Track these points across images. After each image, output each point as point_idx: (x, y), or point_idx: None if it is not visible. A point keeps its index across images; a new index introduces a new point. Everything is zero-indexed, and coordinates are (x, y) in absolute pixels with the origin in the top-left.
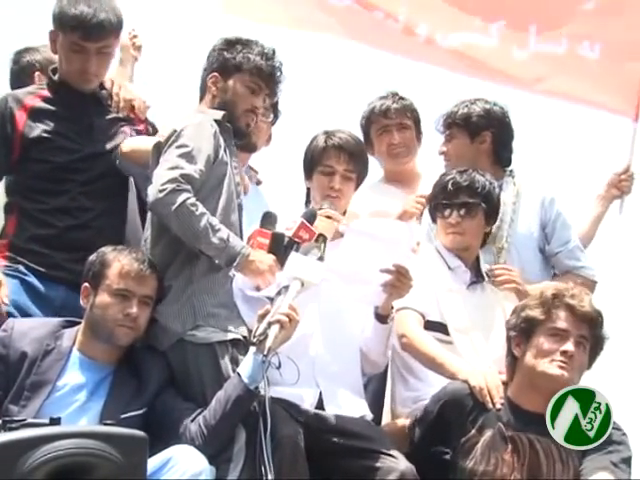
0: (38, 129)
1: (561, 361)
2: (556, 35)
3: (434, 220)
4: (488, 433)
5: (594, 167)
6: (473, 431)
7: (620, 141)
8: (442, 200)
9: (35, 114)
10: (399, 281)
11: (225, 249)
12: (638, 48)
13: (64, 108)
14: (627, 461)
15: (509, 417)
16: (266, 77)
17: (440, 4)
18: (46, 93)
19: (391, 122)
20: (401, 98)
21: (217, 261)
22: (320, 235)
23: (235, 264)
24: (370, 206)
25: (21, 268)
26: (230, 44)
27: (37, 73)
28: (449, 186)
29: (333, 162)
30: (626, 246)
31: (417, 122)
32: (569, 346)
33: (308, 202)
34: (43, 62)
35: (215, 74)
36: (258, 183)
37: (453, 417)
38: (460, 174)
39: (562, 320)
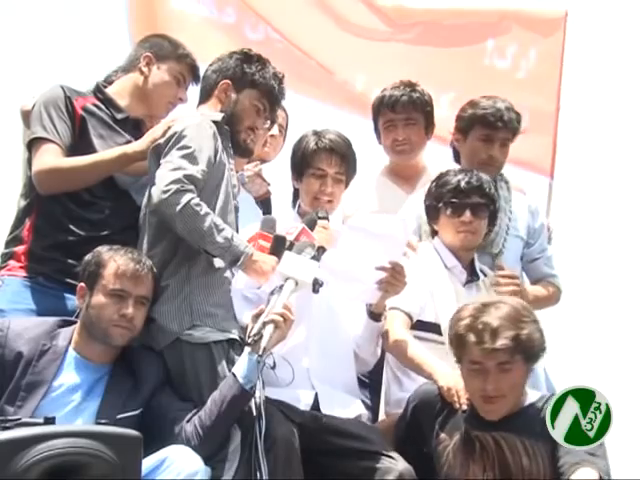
0: (90, 124)
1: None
2: None
3: (434, 220)
4: (457, 436)
5: None
6: (444, 435)
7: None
8: (452, 199)
9: (87, 112)
10: (394, 278)
11: (229, 248)
12: (554, 111)
13: (109, 119)
14: (601, 445)
15: (473, 418)
16: (273, 100)
17: (398, 76)
18: (94, 100)
19: (397, 117)
20: (412, 90)
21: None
22: (320, 247)
23: (239, 263)
24: (368, 204)
25: (41, 280)
26: (249, 58)
27: None
28: (462, 185)
29: (324, 165)
30: None
31: (427, 115)
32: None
33: (295, 202)
34: None
35: (228, 82)
36: (267, 193)
37: (424, 418)
38: (465, 174)
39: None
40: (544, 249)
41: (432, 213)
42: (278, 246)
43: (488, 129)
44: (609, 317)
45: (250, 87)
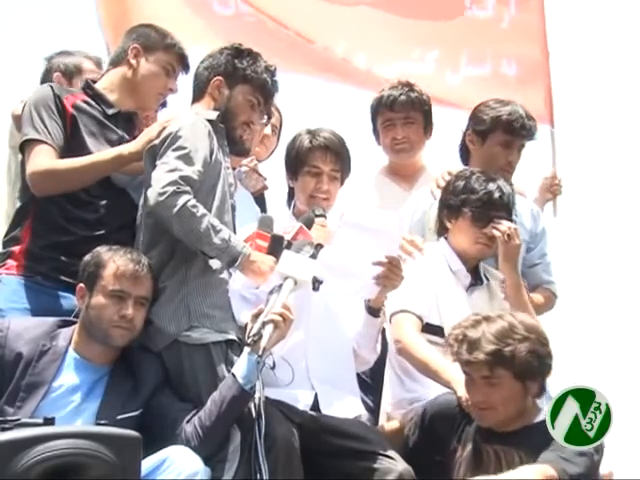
0: (81, 121)
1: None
2: (482, 58)
3: (450, 219)
4: (468, 447)
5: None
6: (458, 446)
7: (539, 146)
8: (480, 208)
9: (77, 109)
10: (392, 272)
11: (227, 249)
12: (544, 57)
13: (100, 115)
14: (583, 454)
15: (482, 430)
16: (267, 93)
17: (381, 37)
18: (84, 97)
19: (396, 115)
20: (410, 90)
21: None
22: (318, 244)
23: (237, 264)
24: (369, 202)
25: (39, 279)
26: (240, 53)
27: (57, 74)
28: (495, 197)
29: (319, 163)
30: (563, 247)
31: (426, 115)
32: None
33: (290, 202)
34: (69, 66)
35: (220, 78)
36: (264, 189)
37: (442, 429)
38: (496, 185)
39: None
40: (544, 254)
41: (452, 211)
42: (276, 246)
43: (510, 135)
44: (613, 305)
45: (242, 82)
